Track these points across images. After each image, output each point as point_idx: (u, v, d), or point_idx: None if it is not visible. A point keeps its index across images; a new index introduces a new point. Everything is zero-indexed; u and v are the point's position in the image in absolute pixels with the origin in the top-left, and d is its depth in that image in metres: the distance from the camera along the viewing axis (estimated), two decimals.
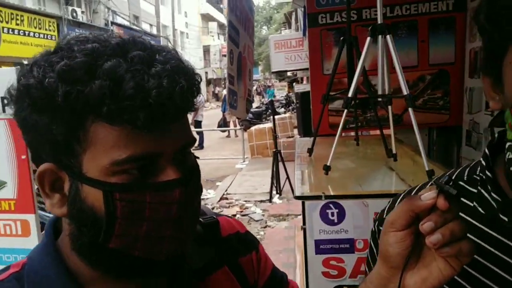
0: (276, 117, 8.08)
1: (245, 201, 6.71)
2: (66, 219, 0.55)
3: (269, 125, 9.50)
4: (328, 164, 1.72)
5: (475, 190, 0.61)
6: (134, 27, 19.42)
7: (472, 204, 0.62)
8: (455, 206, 0.49)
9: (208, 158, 9.70)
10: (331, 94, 2.12)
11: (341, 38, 2.00)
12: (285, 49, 8.07)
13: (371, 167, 2.10)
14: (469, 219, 0.61)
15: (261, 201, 6.63)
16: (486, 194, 0.60)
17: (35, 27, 12.67)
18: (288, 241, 4.93)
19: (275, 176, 6.55)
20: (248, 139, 9.89)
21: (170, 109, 0.48)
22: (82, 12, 15.87)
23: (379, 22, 1.66)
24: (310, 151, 2.15)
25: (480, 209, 0.60)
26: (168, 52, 0.52)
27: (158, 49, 0.52)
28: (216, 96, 34.00)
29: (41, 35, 12.98)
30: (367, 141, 2.76)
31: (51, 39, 13.48)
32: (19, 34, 12.00)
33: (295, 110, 11.09)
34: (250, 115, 14.00)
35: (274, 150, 6.58)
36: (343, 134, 3.09)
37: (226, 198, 6.92)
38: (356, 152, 2.52)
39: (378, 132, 2.55)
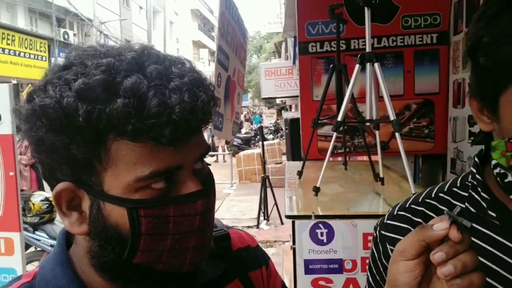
0: (265, 143, 8.14)
1: (232, 226, 6.65)
2: (86, 236, 0.53)
3: (257, 150, 9.56)
4: (317, 185, 1.76)
5: (466, 194, 0.69)
6: (112, 46, 19.58)
7: (464, 206, 0.69)
8: (467, 237, 0.49)
9: None
10: (320, 119, 2.18)
11: (331, 66, 2.09)
12: (275, 77, 8.25)
13: (359, 191, 2.14)
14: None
15: (248, 227, 6.58)
16: (476, 196, 0.68)
17: (26, 48, 12.71)
18: (276, 268, 4.88)
19: (263, 202, 6.54)
20: (237, 164, 9.90)
21: (192, 123, 0.49)
22: (74, 34, 16.02)
23: (367, 50, 1.75)
24: (299, 173, 2.19)
25: (471, 208, 0.67)
26: (182, 64, 0.53)
27: (172, 60, 0.53)
28: None
29: (32, 56, 13.02)
30: (355, 166, 2.81)
31: (42, 60, 13.52)
32: (9, 53, 12.01)
33: (283, 137, 11.19)
34: (239, 141, 14.07)
35: (262, 175, 6.58)
36: (331, 159, 3.15)
37: None
38: (345, 176, 2.56)
39: (365, 157, 2.61)
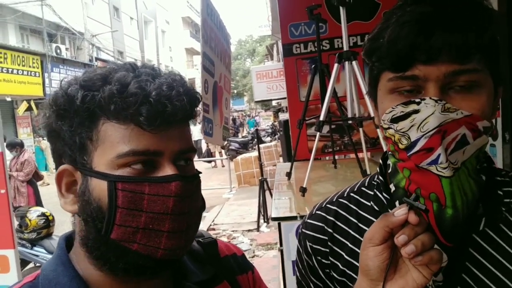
0: (261, 145, 8.11)
1: (233, 231, 6.65)
2: (78, 218, 0.60)
3: (255, 154, 9.54)
4: (304, 186, 1.76)
5: (372, 193, 0.75)
6: (119, 62, 19.62)
7: (369, 204, 0.75)
8: (423, 220, 0.56)
9: None
10: (306, 119, 2.19)
11: (313, 66, 2.10)
12: (266, 79, 8.26)
13: None
14: (367, 215, 0.74)
15: (249, 230, 6.57)
16: (379, 195, 0.73)
17: (19, 64, 12.74)
18: (277, 270, 4.87)
19: (262, 205, 6.53)
20: (235, 169, 9.88)
21: (168, 108, 0.56)
22: (66, 49, 16.05)
23: (345, 49, 1.76)
24: (288, 175, 2.20)
25: (375, 206, 0.73)
26: (174, 74, 0.62)
27: (164, 72, 0.62)
28: None
29: (25, 72, 13.04)
30: (346, 164, 2.82)
31: (35, 76, 13.55)
32: (2, 71, 12.03)
33: (279, 139, 11.18)
34: (237, 145, 14.07)
35: (260, 178, 6.58)
36: (327, 158, 3.16)
37: (213, 229, 6.84)
38: (336, 175, 2.57)
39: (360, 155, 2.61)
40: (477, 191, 0.62)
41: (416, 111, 0.59)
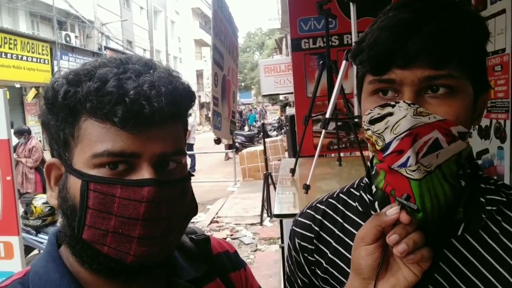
0: (267, 140, 8.09)
1: (236, 224, 6.67)
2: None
3: (260, 148, 9.54)
4: (307, 183, 1.75)
5: (358, 194, 0.76)
6: (128, 51, 19.68)
7: (355, 204, 0.76)
8: (414, 219, 0.57)
9: (200, 181, 9.65)
10: (313, 116, 2.18)
11: (321, 62, 2.08)
12: (274, 73, 8.22)
13: None
14: (352, 215, 0.75)
15: (252, 224, 6.58)
16: (364, 196, 0.75)
17: (28, 51, 12.80)
18: (278, 265, 4.88)
19: (266, 199, 6.53)
20: (240, 162, 9.90)
21: (146, 109, 0.53)
22: (76, 37, 16.08)
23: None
24: (292, 171, 2.19)
25: (359, 207, 0.74)
26: (167, 71, 0.59)
27: (157, 67, 0.59)
28: (209, 120, 34.14)
29: (34, 59, 13.11)
30: (351, 162, 2.81)
31: (44, 63, 13.61)
32: (12, 58, 12.10)
33: (285, 134, 11.15)
34: (242, 138, 14.07)
35: (264, 172, 6.58)
36: (332, 155, 3.15)
37: (217, 222, 6.87)
38: (341, 172, 2.56)
39: (365, 153, 2.59)
40: (451, 195, 0.63)
41: (391, 114, 0.61)
